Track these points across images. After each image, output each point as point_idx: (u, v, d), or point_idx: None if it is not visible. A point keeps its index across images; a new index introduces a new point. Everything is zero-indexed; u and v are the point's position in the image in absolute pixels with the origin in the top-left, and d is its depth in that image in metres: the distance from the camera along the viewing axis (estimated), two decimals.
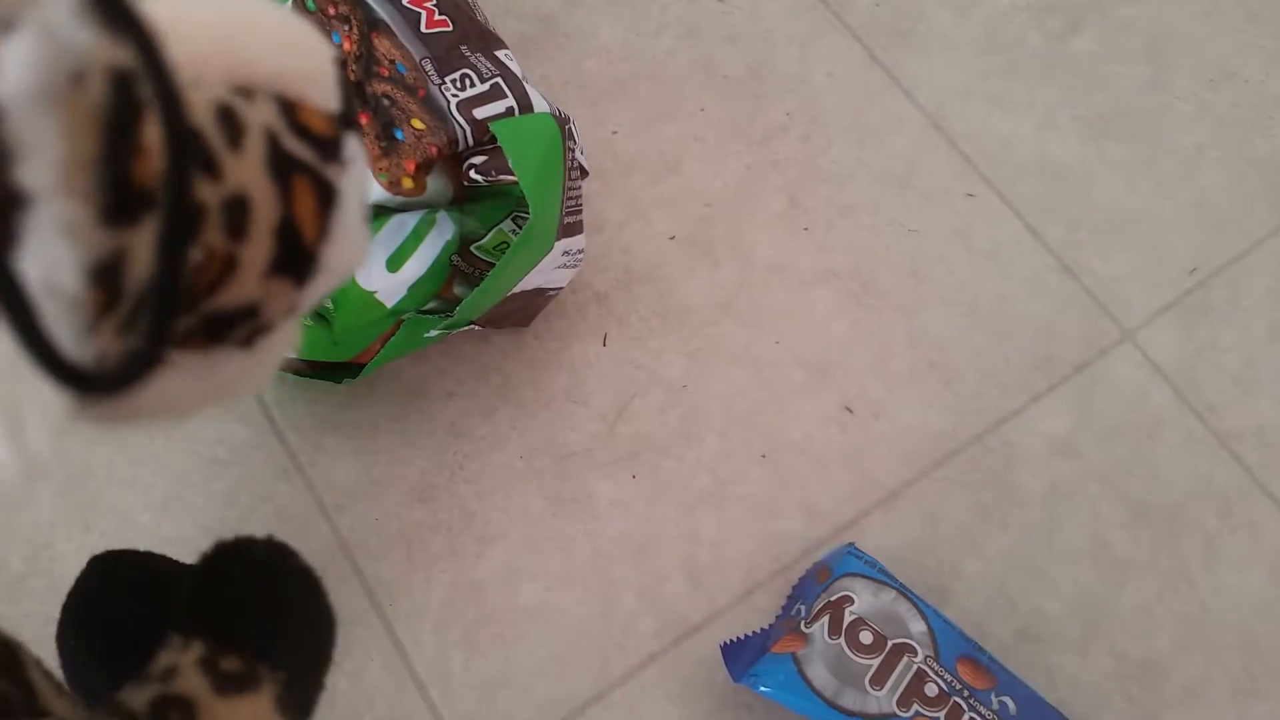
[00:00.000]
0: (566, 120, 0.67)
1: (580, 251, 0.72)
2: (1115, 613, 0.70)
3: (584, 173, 0.72)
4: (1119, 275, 0.80)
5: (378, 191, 0.65)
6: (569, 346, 0.76)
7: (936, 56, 0.88)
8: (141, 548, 0.67)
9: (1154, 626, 0.70)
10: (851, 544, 0.68)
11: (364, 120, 0.64)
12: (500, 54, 0.70)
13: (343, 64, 0.65)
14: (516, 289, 0.69)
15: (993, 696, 0.61)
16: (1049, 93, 0.87)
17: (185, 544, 0.68)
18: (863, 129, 0.85)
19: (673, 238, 0.80)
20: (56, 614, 0.65)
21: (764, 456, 0.73)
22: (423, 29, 0.68)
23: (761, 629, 0.65)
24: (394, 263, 0.65)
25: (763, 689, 0.60)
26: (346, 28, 0.66)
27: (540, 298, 0.73)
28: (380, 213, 0.66)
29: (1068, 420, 0.75)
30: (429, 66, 0.68)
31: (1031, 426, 0.75)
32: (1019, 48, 0.89)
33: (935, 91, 0.86)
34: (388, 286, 0.65)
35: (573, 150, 0.67)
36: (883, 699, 0.59)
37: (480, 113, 0.67)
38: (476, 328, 0.71)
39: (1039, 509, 0.73)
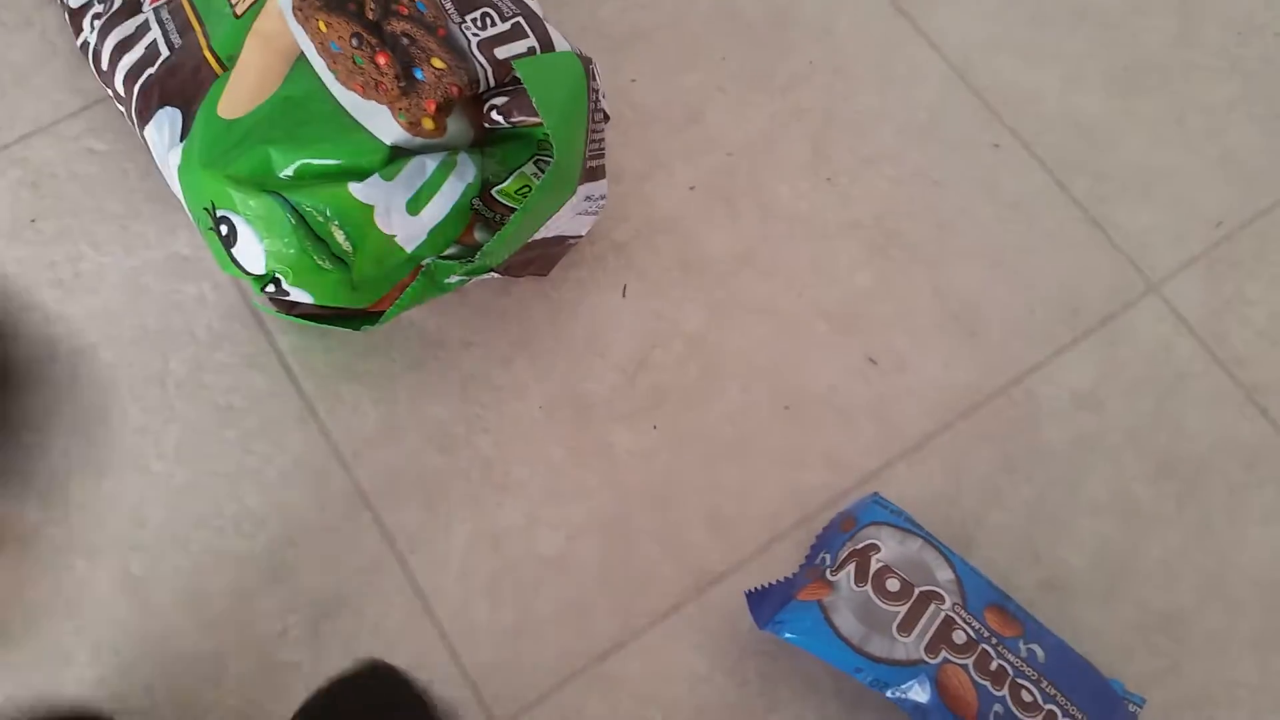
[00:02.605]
0: (589, 61, 0.66)
1: (602, 197, 0.70)
2: (1139, 565, 0.69)
3: (606, 117, 0.70)
4: (1145, 228, 0.79)
5: (397, 132, 0.64)
6: (588, 296, 0.75)
7: (962, 6, 0.86)
8: (154, 495, 0.67)
9: (1177, 578, 0.69)
10: (876, 493, 0.67)
11: (383, 59, 0.63)
12: None
13: (363, 3, 0.64)
14: (537, 235, 0.68)
15: (1021, 644, 0.60)
16: (1076, 45, 0.86)
17: (199, 491, 0.67)
18: (886, 79, 0.84)
19: (693, 188, 0.79)
20: (74, 563, 0.64)
21: (787, 408, 0.72)
22: None
23: (786, 577, 0.64)
24: (414, 206, 0.64)
25: (788, 635, 0.59)
26: None
27: (560, 245, 0.72)
28: (399, 154, 0.64)
29: (1092, 373, 0.75)
30: (449, 4, 0.67)
31: (1056, 379, 0.74)
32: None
33: (960, 42, 0.85)
34: (407, 231, 0.64)
35: (596, 92, 0.65)
36: (910, 645, 0.58)
37: (501, 52, 0.66)
38: (496, 275, 0.70)
39: (1063, 461, 0.72)
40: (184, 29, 0.71)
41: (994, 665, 0.59)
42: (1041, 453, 0.72)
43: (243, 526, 0.67)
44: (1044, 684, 0.59)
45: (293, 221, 0.62)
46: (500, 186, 0.66)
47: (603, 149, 0.69)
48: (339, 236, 0.63)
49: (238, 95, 0.66)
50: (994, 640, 0.60)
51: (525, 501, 0.68)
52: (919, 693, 0.58)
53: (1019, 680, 0.59)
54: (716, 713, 0.64)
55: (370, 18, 0.64)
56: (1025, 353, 0.75)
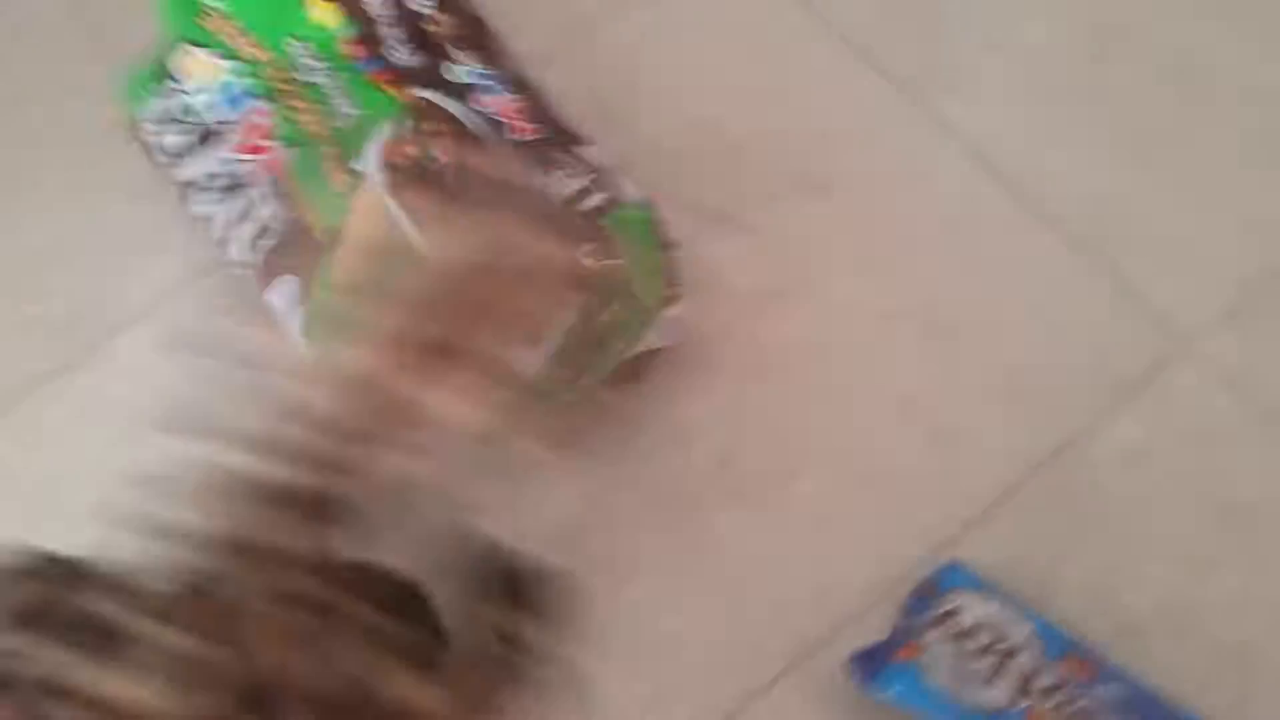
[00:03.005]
0: (652, 204, 0.75)
1: (680, 316, 0.80)
2: (1205, 604, 0.76)
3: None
4: (1175, 291, 0.86)
5: None
6: (674, 398, 0.84)
7: (974, 95, 0.95)
8: None
9: (1243, 614, 0.75)
10: (955, 559, 0.74)
11: None
12: (588, 149, 0.78)
13: (448, 175, 0.74)
14: (626, 354, 0.77)
15: (1098, 686, 0.67)
16: (1088, 120, 0.93)
17: None
18: (914, 176, 0.92)
19: (756, 292, 0.88)
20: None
21: (864, 484, 0.80)
22: (510, 136, 0.76)
23: (880, 642, 0.71)
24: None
25: (890, 694, 0.66)
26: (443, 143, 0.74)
27: (648, 358, 0.81)
28: None
29: (1139, 431, 0.82)
30: (533, 169, 0.77)
31: (1111, 436, 0.81)
32: (1055, 78, 0.95)
33: (976, 131, 0.93)
34: (519, 367, 0.74)
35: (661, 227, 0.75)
36: (998, 695, 0.65)
37: (584, 205, 0.75)
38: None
39: (1122, 515, 0.79)
40: (290, 204, 0.81)
41: (1074, 707, 0.65)
42: (1104, 508, 0.79)
43: None
44: (1121, 718, 0.66)
45: None
46: (595, 321, 0.75)
47: (676, 278, 0.78)
48: None
49: (348, 266, 0.76)
50: (1072, 685, 0.66)
51: (642, 586, 0.77)
52: None
53: (1099, 718, 0.65)
54: None
55: (457, 189, 0.74)
56: (1077, 414, 0.82)
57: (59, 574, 0.43)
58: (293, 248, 0.78)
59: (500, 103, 0.77)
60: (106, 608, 0.39)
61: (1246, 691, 0.73)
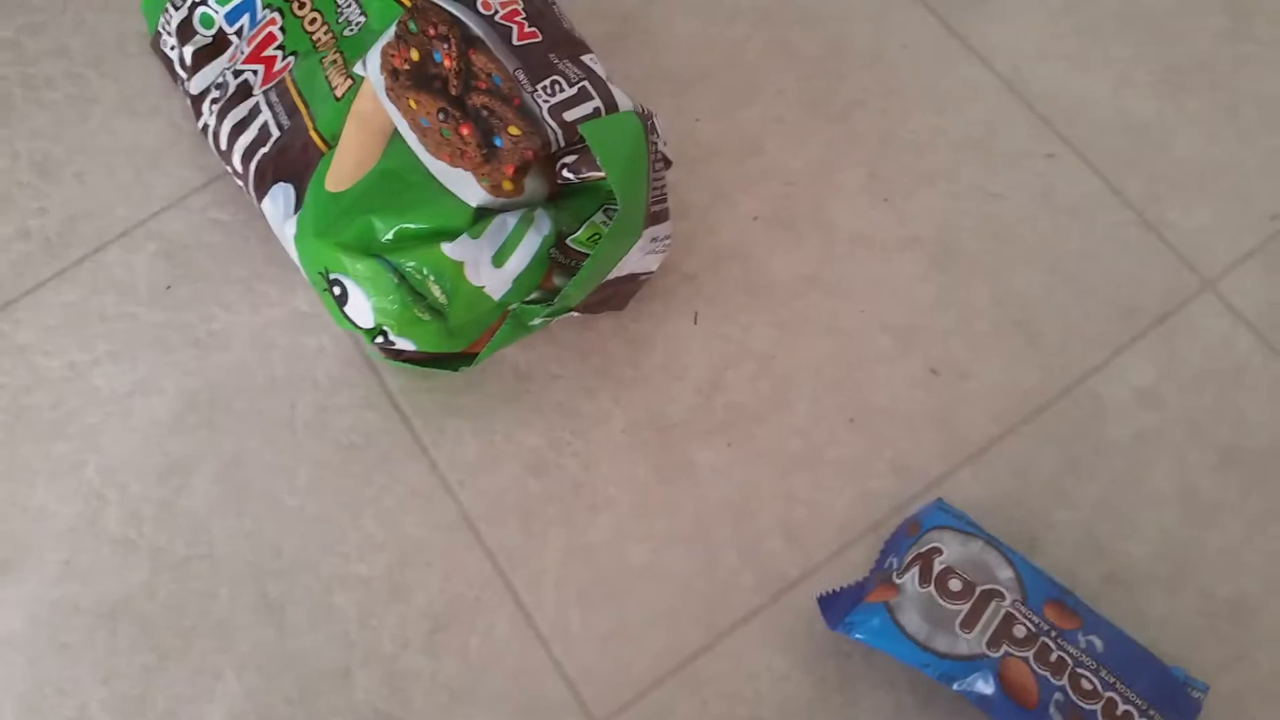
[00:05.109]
0: (649, 116, 0.72)
1: (668, 238, 0.77)
2: (1203, 554, 0.72)
3: (667, 163, 0.76)
4: (1200, 226, 0.82)
5: (481, 195, 0.71)
6: (662, 326, 0.81)
7: (1010, 21, 0.90)
8: (289, 527, 0.75)
9: (1243, 567, 0.72)
10: (939, 499, 0.71)
11: (467, 130, 0.70)
12: (585, 58, 0.75)
13: (445, 80, 0.71)
14: (610, 276, 0.74)
15: (1080, 636, 0.64)
16: (1124, 49, 0.88)
17: (326, 521, 0.76)
18: (940, 98, 0.87)
19: (756, 217, 0.84)
20: (219, 591, 0.73)
21: (853, 420, 0.77)
22: (514, 41, 0.73)
23: (856, 582, 0.69)
24: (499, 259, 0.71)
25: (858, 635, 0.64)
26: (446, 46, 0.71)
27: (633, 282, 0.78)
28: (484, 215, 0.72)
29: (1152, 371, 0.77)
30: (522, 76, 0.74)
31: (1117, 378, 0.77)
32: (1093, 6, 0.90)
33: (1010, 55, 0.88)
34: (494, 281, 0.72)
35: (655, 144, 0.71)
36: (972, 641, 0.63)
37: (570, 115, 0.72)
38: (576, 314, 0.77)
39: (1126, 458, 0.75)
40: (291, 111, 0.79)
41: (1053, 656, 0.63)
42: (1105, 451, 0.75)
43: (365, 551, 0.75)
44: (1103, 673, 0.63)
45: (395, 280, 0.70)
46: (574, 236, 0.73)
47: (665, 193, 0.74)
48: (435, 291, 0.71)
49: (342, 170, 0.74)
50: (1053, 633, 0.64)
51: (614, 518, 0.75)
52: (983, 685, 0.62)
53: (1078, 670, 0.63)
54: (798, 707, 0.69)
55: (453, 93, 0.71)
56: (1085, 355, 0.78)
57: None
58: (289, 155, 0.77)
59: (503, 5, 0.74)
60: None
61: (1241, 648, 0.70)
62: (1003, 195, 0.84)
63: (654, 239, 0.75)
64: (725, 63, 0.90)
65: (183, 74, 0.87)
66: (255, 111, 0.81)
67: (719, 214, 0.84)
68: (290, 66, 0.81)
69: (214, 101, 0.84)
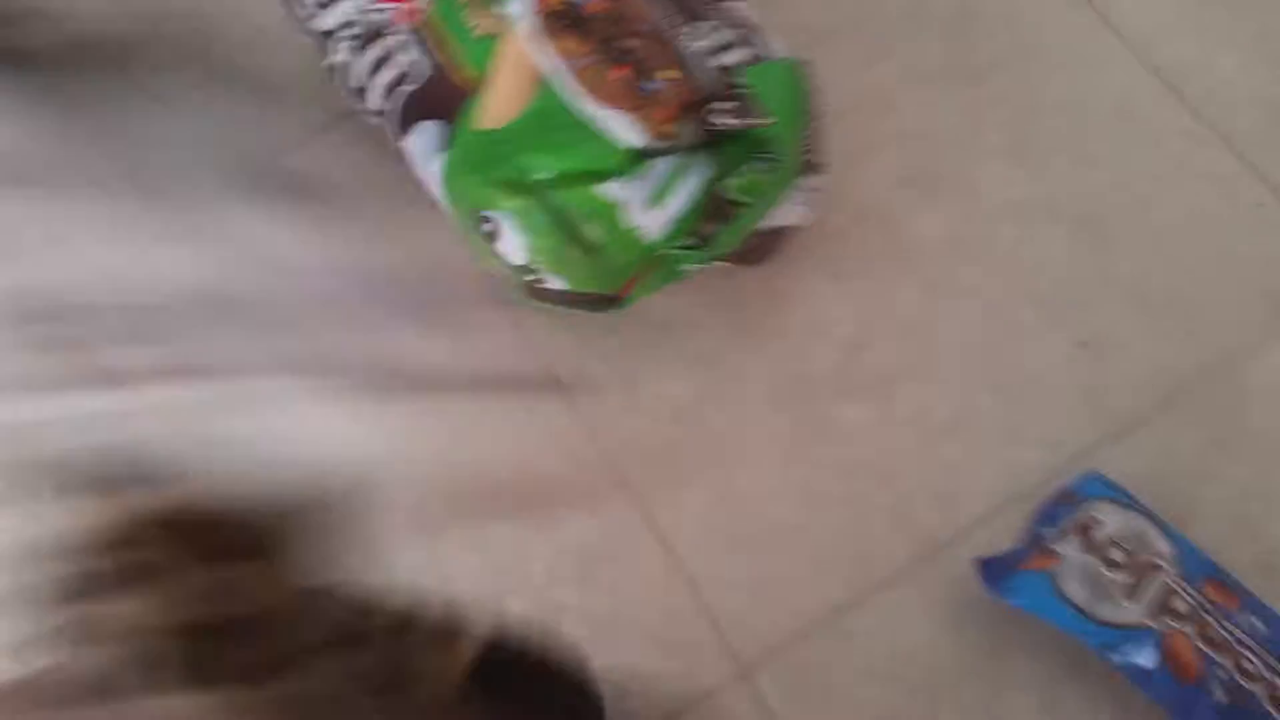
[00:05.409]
0: (807, 65, 0.70)
1: (819, 189, 0.75)
2: None
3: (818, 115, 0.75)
4: None
5: (636, 138, 0.70)
6: (803, 282, 0.80)
7: None
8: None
9: None
10: (1097, 471, 0.70)
11: (622, 73, 0.69)
12: (739, 5, 0.73)
13: (599, 23, 0.70)
14: (759, 226, 0.73)
15: (1239, 616, 0.63)
16: (1255, 24, 0.86)
17: (478, 473, 0.75)
18: (1073, 67, 0.85)
19: (898, 178, 0.83)
20: None
21: (1000, 389, 0.75)
22: None
23: (1011, 549, 0.68)
24: (655, 202, 0.70)
25: (1019, 601, 0.63)
26: None
27: (779, 235, 0.77)
28: (640, 158, 0.70)
29: None
30: (678, 20, 0.72)
31: (1266, 362, 0.76)
32: None
33: (1143, 27, 0.86)
34: (650, 224, 0.70)
35: (812, 93, 0.70)
36: (1136, 611, 0.62)
37: (727, 60, 0.71)
38: (721, 264, 0.75)
39: (1275, 442, 0.74)
40: (433, 49, 0.78)
41: (1216, 634, 0.62)
42: (1252, 433, 0.74)
43: (505, 497, 0.74)
44: (1267, 656, 0.62)
45: (550, 219, 0.69)
46: (729, 182, 0.71)
47: (820, 144, 0.73)
48: (590, 231, 0.69)
49: (493, 110, 0.73)
50: (1215, 611, 0.62)
51: (758, 471, 0.74)
52: (1145, 657, 0.61)
53: (1241, 650, 0.61)
54: (945, 670, 0.68)
55: (607, 36, 0.70)
56: (1235, 337, 0.77)
57: None
58: (433, 93, 0.75)
59: None
60: None
61: None
62: (1139, 169, 0.82)
63: (806, 190, 0.73)
64: (860, 19, 0.88)
65: (312, 11, 0.85)
66: (396, 49, 0.80)
67: (860, 173, 0.83)
68: (427, 4, 0.80)
69: (350, 39, 0.82)
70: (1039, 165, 0.82)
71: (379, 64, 0.80)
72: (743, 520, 0.72)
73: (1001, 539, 0.70)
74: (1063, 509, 0.67)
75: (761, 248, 0.77)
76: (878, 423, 0.75)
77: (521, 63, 0.74)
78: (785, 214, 0.74)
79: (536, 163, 0.70)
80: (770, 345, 0.77)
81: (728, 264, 0.76)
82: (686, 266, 0.72)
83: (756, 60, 0.72)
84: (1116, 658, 0.61)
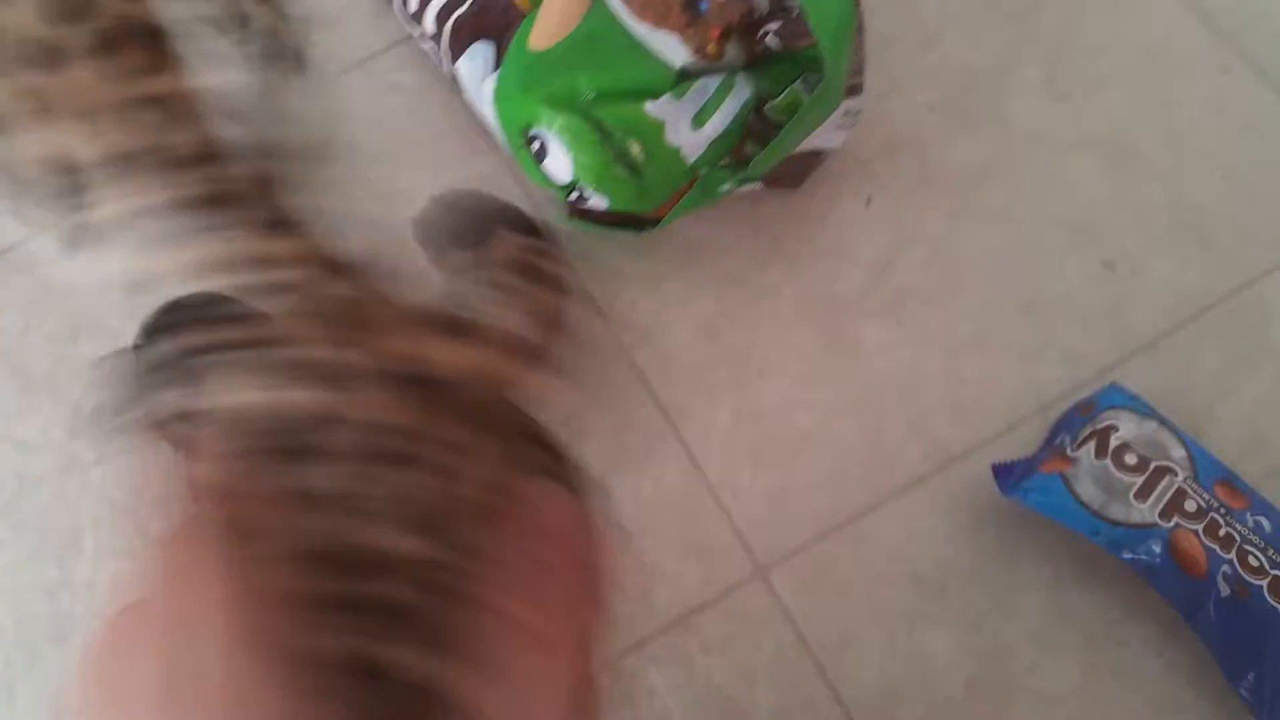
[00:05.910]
0: None
1: (860, 112, 0.78)
2: None
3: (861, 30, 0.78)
4: None
5: (684, 57, 0.73)
6: (835, 207, 0.83)
7: None
8: None
9: None
10: (1115, 382, 0.73)
11: None
12: None
13: None
14: (798, 149, 0.76)
15: (1248, 515, 0.66)
16: None
17: None
18: (1117, 3, 0.87)
19: (932, 108, 0.85)
20: None
21: (1025, 308, 0.78)
22: None
23: (1027, 456, 0.71)
24: (699, 121, 0.73)
25: (1031, 502, 0.66)
26: None
27: (813, 159, 0.80)
28: (686, 77, 0.74)
29: None
30: None
31: None
32: None
33: None
34: (690, 143, 0.74)
35: (861, 12, 0.73)
36: (1145, 511, 0.65)
37: None
38: (755, 187, 0.79)
39: None
40: None
41: (1223, 532, 0.65)
42: (1271, 351, 0.76)
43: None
44: (1270, 552, 0.65)
45: (597, 137, 0.73)
46: (772, 104, 0.75)
47: (862, 66, 0.76)
48: (634, 149, 0.73)
49: (545, 30, 0.76)
50: (1223, 510, 0.65)
51: (782, 385, 0.78)
52: (1154, 553, 0.64)
53: (1246, 546, 0.64)
54: (956, 571, 0.72)
55: None
56: (1257, 259, 0.79)
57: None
58: (489, 14, 0.79)
59: None
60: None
61: None
62: (1178, 103, 0.84)
63: (847, 112, 0.76)
64: None
65: None
66: None
67: (895, 101, 0.85)
68: None
69: None
70: (1075, 99, 0.85)
71: None
72: (764, 431, 0.76)
73: (1019, 450, 0.74)
74: (1081, 418, 0.70)
75: (797, 171, 0.80)
76: (901, 340, 0.78)
77: None
78: (823, 138, 0.77)
79: (586, 81, 0.73)
80: (798, 267, 0.81)
81: (761, 187, 0.79)
82: (724, 187, 0.76)
83: None
84: (1126, 554, 0.65)
